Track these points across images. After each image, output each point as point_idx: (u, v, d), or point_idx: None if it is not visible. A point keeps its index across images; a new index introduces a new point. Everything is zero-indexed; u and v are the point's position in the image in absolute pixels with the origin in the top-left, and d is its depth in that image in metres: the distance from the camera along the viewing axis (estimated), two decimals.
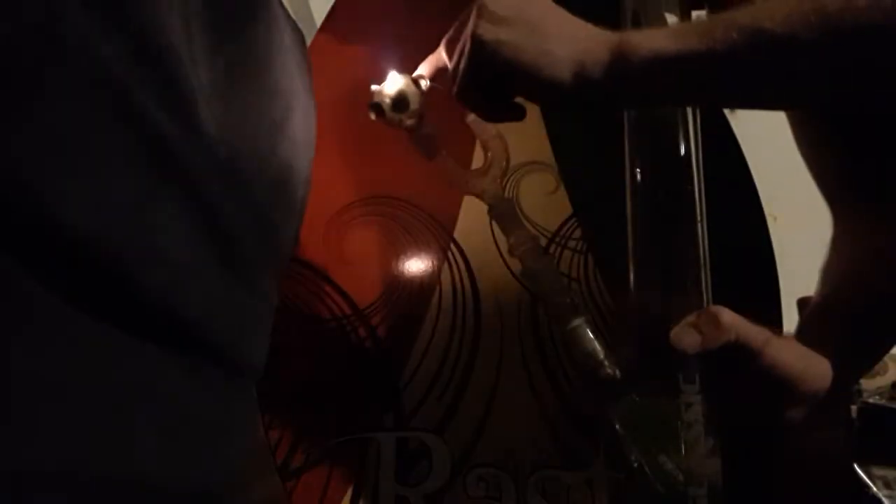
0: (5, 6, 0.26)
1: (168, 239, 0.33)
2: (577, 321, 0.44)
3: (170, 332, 0.34)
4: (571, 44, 0.37)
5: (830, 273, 0.50)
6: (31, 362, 0.28)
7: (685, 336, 0.40)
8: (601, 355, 0.43)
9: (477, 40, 0.39)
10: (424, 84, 0.48)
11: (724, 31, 0.33)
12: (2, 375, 0.26)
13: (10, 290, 0.27)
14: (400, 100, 0.47)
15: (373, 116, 0.47)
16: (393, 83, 0.48)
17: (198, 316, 0.35)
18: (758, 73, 0.34)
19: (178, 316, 0.34)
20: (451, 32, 0.45)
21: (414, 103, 0.47)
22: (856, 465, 0.75)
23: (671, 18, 0.44)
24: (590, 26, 0.38)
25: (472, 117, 0.49)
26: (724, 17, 0.34)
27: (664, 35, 0.35)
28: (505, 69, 0.38)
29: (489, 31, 0.38)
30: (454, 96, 0.42)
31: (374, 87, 0.48)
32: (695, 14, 0.48)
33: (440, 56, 0.46)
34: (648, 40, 0.35)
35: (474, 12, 0.40)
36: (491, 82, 0.40)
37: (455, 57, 0.42)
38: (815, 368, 0.42)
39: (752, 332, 0.40)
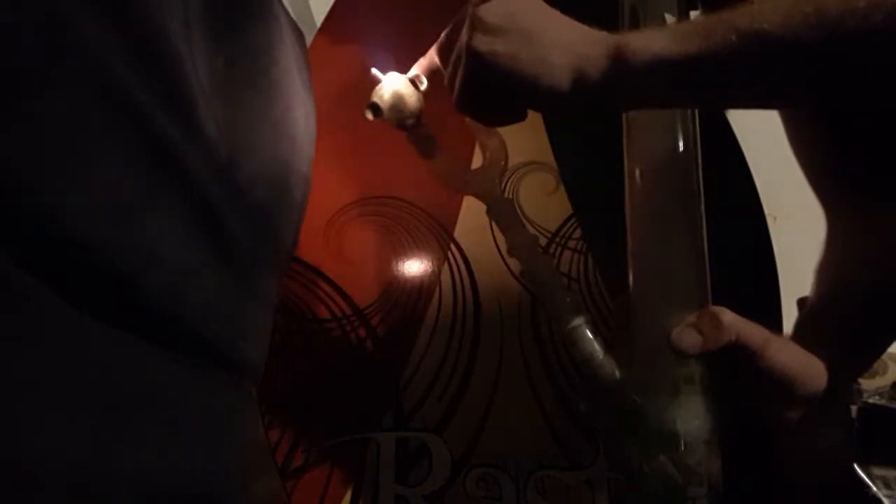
0: (9, 6, 0.26)
1: (168, 239, 0.33)
2: (577, 321, 0.44)
3: (170, 332, 0.34)
4: (569, 51, 0.36)
5: (825, 273, 0.50)
6: (31, 362, 0.28)
7: (686, 337, 0.40)
8: (601, 355, 0.43)
9: (472, 53, 0.38)
10: (422, 84, 0.48)
11: (723, 34, 0.33)
12: (2, 375, 0.26)
13: (10, 290, 0.27)
14: (398, 100, 0.47)
15: (370, 116, 0.47)
16: (391, 83, 0.47)
17: (198, 316, 0.35)
18: (757, 76, 0.34)
19: (178, 316, 0.34)
20: (442, 38, 0.45)
21: (412, 103, 0.47)
22: (856, 465, 0.75)
23: (668, 18, 0.44)
24: (587, 29, 0.38)
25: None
26: (723, 19, 0.33)
27: (663, 38, 0.35)
28: (503, 80, 0.38)
29: (484, 43, 0.38)
30: (454, 107, 0.42)
31: (374, 72, 0.48)
32: (692, 15, 0.48)
33: (432, 59, 0.46)
34: (647, 44, 0.35)
35: (468, 23, 0.39)
36: (489, 90, 0.40)
37: (450, 67, 0.42)
38: (813, 369, 0.42)
39: (752, 332, 0.40)
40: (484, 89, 0.40)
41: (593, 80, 0.36)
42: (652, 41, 0.35)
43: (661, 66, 0.34)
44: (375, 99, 0.47)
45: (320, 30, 0.70)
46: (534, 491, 0.60)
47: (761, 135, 0.63)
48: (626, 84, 0.36)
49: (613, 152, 0.45)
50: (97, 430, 0.30)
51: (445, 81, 0.43)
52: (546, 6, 0.39)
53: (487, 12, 0.38)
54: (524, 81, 0.37)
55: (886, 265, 0.47)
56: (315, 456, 0.60)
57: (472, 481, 0.60)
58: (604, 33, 0.37)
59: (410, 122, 0.48)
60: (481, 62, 0.38)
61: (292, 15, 0.53)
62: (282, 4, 0.51)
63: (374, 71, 0.48)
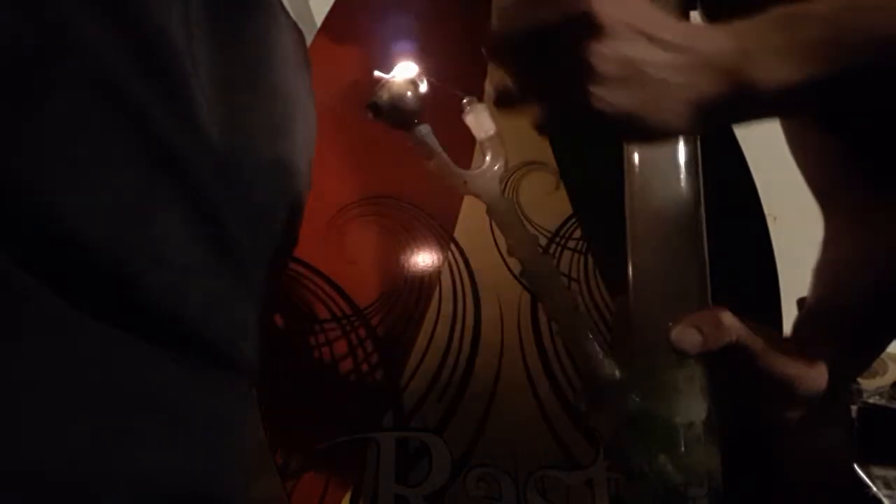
0: (11, 8, 0.26)
1: (167, 239, 0.33)
2: (578, 321, 0.44)
3: (169, 332, 0.34)
4: (693, 99, 0.34)
5: (824, 273, 0.50)
6: (31, 362, 0.28)
7: (686, 336, 0.40)
8: (601, 355, 0.43)
9: (592, 111, 0.34)
10: (422, 84, 0.48)
11: (847, 57, 0.32)
12: (2, 376, 0.26)
13: (10, 289, 0.27)
14: (398, 100, 0.47)
15: (370, 116, 0.47)
16: (391, 83, 0.48)
17: (197, 316, 0.35)
18: (872, 91, 0.34)
19: (177, 316, 0.34)
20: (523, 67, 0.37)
21: (412, 103, 0.47)
22: (856, 465, 0.75)
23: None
24: (705, 55, 0.34)
25: (470, 117, 0.49)
26: (840, 43, 0.32)
27: (788, 61, 0.33)
28: (618, 129, 0.36)
29: (608, 105, 0.34)
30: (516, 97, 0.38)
31: (377, 74, 0.48)
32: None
33: (502, 79, 0.40)
34: (774, 74, 0.33)
35: (583, 73, 0.34)
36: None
37: (537, 81, 0.37)
38: (813, 369, 0.43)
39: (753, 332, 0.41)
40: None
41: (711, 116, 0.35)
42: (778, 67, 0.33)
43: (784, 96, 0.33)
44: (375, 98, 0.47)
45: (320, 30, 0.70)
46: (534, 491, 0.60)
47: (761, 135, 0.63)
48: (743, 114, 0.36)
49: (613, 152, 0.45)
50: (97, 430, 0.30)
51: (514, 81, 0.38)
52: (652, 27, 0.34)
53: (603, 61, 0.34)
54: (644, 135, 0.36)
55: (885, 265, 0.47)
56: (315, 456, 0.60)
57: (472, 481, 0.60)
58: (724, 51, 0.34)
59: (410, 121, 0.48)
60: (601, 116, 0.35)
61: (292, 15, 0.53)
62: (282, 5, 0.51)
63: (377, 73, 0.48)
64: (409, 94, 0.47)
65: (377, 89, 0.47)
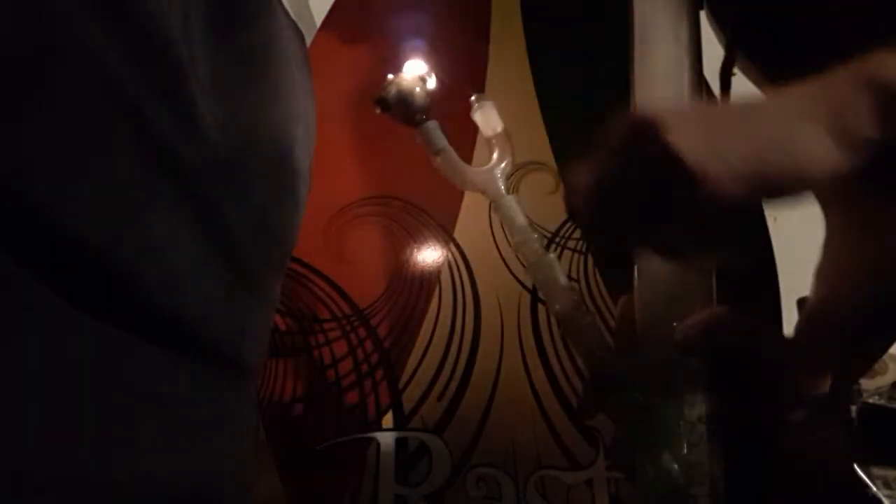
0: (8, 6, 0.26)
1: (167, 239, 0.33)
2: (580, 320, 0.44)
3: (169, 332, 0.34)
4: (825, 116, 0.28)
5: (824, 274, 0.50)
6: (31, 362, 0.27)
7: (688, 335, 0.40)
8: (603, 354, 0.43)
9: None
10: (431, 80, 0.48)
11: None
12: (2, 375, 0.26)
13: (9, 289, 0.27)
14: (406, 95, 0.47)
15: (378, 111, 0.47)
16: (399, 79, 0.48)
17: (197, 316, 0.35)
18: None
19: (177, 316, 0.34)
20: None
21: (420, 99, 0.47)
22: (856, 465, 0.75)
23: (673, 19, 0.43)
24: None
25: (478, 114, 0.49)
26: None
27: None
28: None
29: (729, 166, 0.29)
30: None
31: (389, 77, 0.48)
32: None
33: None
34: None
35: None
36: None
37: None
38: (815, 369, 0.43)
39: (755, 332, 0.41)
40: None
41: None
42: None
43: None
44: (384, 93, 0.47)
45: (320, 29, 0.70)
46: (534, 491, 0.60)
47: None
48: None
49: None
50: (97, 430, 0.30)
51: None
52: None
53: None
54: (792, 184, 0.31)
55: (884, 265, 0.47)
56: (315, 456, 0.60)
57: (472, 481, 0.60)
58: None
59: (418, 117, 0.48)
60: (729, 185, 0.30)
61: (292, 15, 0.53)
62: (282, 4, 0.51)
63: (390, 76, 0.48)
64: (417, 89, 0.47)
65: (386, 84, 0.48)
